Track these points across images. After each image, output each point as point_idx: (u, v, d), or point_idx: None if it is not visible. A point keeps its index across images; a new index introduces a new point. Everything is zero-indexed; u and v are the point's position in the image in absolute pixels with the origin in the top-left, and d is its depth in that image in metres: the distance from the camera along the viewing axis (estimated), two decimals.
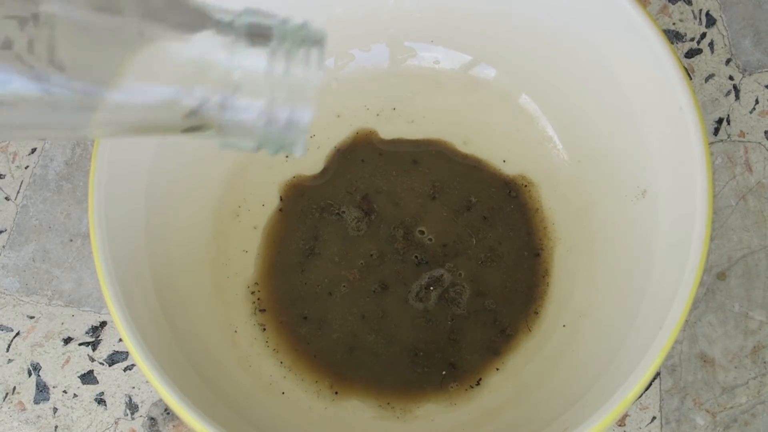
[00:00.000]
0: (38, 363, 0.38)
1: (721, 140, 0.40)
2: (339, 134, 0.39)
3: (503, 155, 0.39)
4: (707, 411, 0.37)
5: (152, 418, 0.37)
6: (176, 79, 0.20)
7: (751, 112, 0.41)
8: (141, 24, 0.20)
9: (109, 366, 0.38)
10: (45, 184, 0.40)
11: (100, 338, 0.38)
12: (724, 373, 0.37)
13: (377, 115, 0.39)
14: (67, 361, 0.38)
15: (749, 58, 0.42)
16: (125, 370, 0.38)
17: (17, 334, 0.38)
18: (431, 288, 0.37)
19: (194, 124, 0.21)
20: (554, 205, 0.38)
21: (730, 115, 0.41)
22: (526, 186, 0.38)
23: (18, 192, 0.40)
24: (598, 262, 0.36)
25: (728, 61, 0.42)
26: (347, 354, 0.36)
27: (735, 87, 0.41)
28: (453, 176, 0.38)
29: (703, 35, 0.42)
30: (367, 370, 0.36)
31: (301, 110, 0.21)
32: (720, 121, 0.41)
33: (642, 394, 0.37)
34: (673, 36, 0.42)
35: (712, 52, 0.42)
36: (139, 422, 0.37)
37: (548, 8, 0.35)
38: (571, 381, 0.33)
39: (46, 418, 0.37)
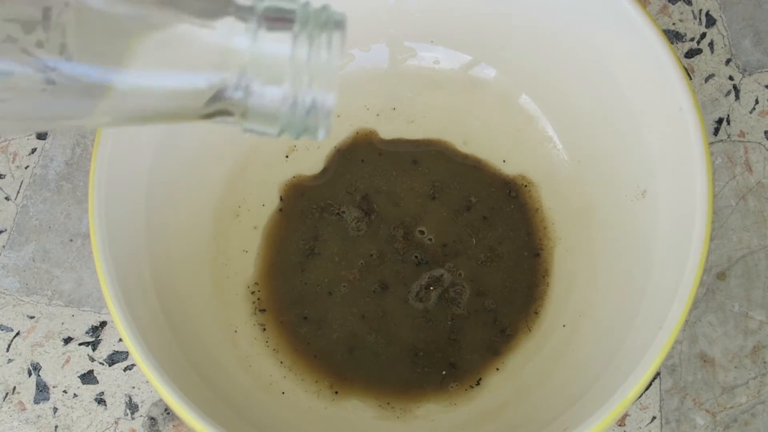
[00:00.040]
0: (38, 363, 0.38)
1: (721, 140, 0.40)
2: (339, 134, 0.39)
3: (503, 155, 0.39)
4: (707, 411, 0.37)
5: (152, 418, 0.37)
6: (199, 65, 0.20)
7: (751, 112, 0.41)
8: (161, 10, 0.20)
9: (109, 366, 0.38)
10: (45, 184, 0.40)
11: (100, 338, 0.38)
12: (724, 373, 0.37)
13: (377, 115, 0.39)
14: (67, 361, 0.38)
15: (749, 58, 0.42)
16: (125, 370, 0.38)
17: (17, 334, 0.38)
18: (431, 288, 0.37)
19: (215, 109, 0.21)
20: (554, 205, 0.38)
21: (730, 115, 0.41)
22: (526, 186, 0.38)
23: (18, 192, 0.40)
24: (598, 262, 0.36)
25: (728, 61, 0.42)
26: (347, 354, 0.36)
27: (735, 87, 0.41)
28: (453, 176, 0.38)
29: (703, 35, 0.42)
30: (367, 370, 0.36)
31: (325, 93, 0.21)
32: (720, 121, 0.41)
33: (642, 394, 0.37)
34: (673, 36, 0.42)
35: (712, 52, 0.42)
36: (139, 422, 0.37)
37: (548, 8, 0.35)
38: (571, 381, 0.33)
39: (46, 418, 0.37)
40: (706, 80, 0.41)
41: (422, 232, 0.37)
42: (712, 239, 0.39)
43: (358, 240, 0.37)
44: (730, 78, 0.41)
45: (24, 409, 0.37)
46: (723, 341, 0.38)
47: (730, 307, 0.38)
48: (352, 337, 0.36)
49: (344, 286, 0.37)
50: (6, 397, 0.37)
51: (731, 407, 0.37)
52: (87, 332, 0.38)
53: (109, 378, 0.37)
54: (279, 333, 0.36)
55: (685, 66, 0.41)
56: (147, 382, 0.37)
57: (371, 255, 0.37)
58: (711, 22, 0.42)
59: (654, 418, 0.37)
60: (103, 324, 0.38)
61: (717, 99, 0.41)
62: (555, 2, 0.35)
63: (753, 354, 0.37)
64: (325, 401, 0.35)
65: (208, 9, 0.21)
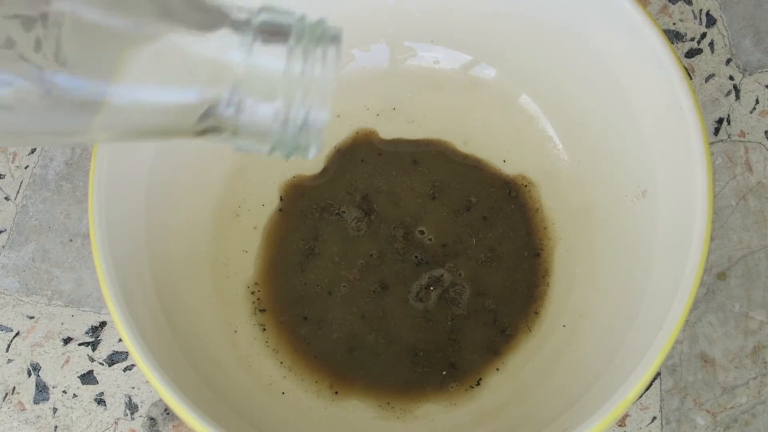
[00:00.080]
0: (38, 363, 0.38)
1: (722, 140, 0.40)
2: (339, 134, 0.39)
3: (503, 155, 0.39)
4: (707, 411, 0.37)
5: (152, 418, 0.37)
6: (192, 79, 0.20)
7: (751, 112, 0.41)
8: (156, 22, 0.20)
9: (109, 366, 0.38)
10: (45, 184, 0.40)
11: (99, 338, 0.38)
12: (724, 373, 0.37)
13: (377, 115, 0.39)
14: (67, 361, 0.38)
15: (749, 58, 0.42)
16: (125, 370, 0.38)
17: (17, 334, 0.38)
18: (431, 288, 0.37)
19: (208, 126, 0.21)
20: (554, 205, 0.38)
21: (731, 115, 0.41)
22: (526, 186, 0.38)
23: (18, 192, 0.40)
24: (598, 262, 0.36)
25: (728, 61, 0.42)
26: (347, 354, 0.36)
27: (735, 87, 0.41)
28: (453, 176, 0.38)
29: (704, 35, 0.42)
30: (367, 370, 0.36)
31: (318, 111, 0.21)
32: (720, 121, 0.41)
33: (642, 395, 0.37)
34: (674, 36, 0.42)
35: (713, 52, 0.42)
36: (138, 422, 0.37)
37: (548, 8, 0.35)
38: (571, 381, 0.33)
39: (46, 419, 0.37)
40: (707, 80, 0.41)
41: (422, 232, 0.37)
42: (712, 239, 0.39)
43: (358, 240, 0.37)
44: (731, 78, 0.41)
45: (24, 410, 0.37)
46: (723, 341, 0.38)
47: (731, 308, 0.38)
48: (352, 337, 0.36)
49: (344, 286, 0.37)
50: (6, 397, 0.37)
51: (731, 407, 0.37)
52: (87, 332, 0.38)
53: (109, 378, 0.37)
54: (279, 333, 0.36)
55: (686, 66, 0.41)
56: (147, 382, 0.37)
57: (371, 255, 0.37)
58: (711, 21, 0.42)
59: (654, 418, 0.37)
60: (103, 324, 0.38)
61: (717, 99, 0.41)
62: (555, 2, 0.35)
63: (753, 354, 0.37)
64: (325, 401, 0.35)
65: (203, 21, 0.20)
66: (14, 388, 0.37)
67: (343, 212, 0.38)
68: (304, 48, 0.21)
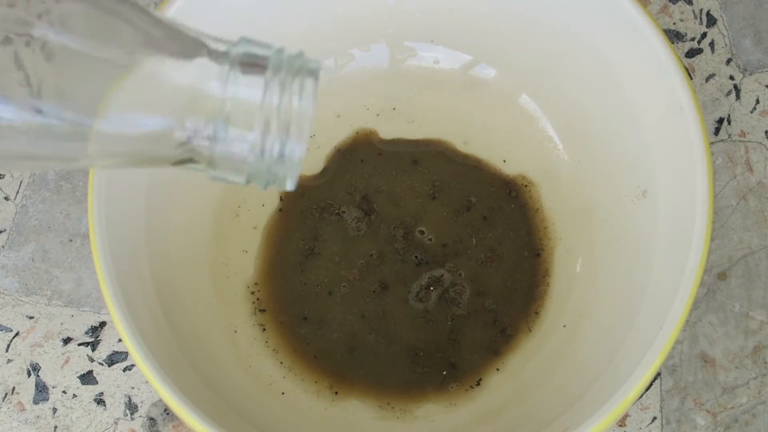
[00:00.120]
0: (38, 363, 0.38)
1: (722, 140, 0.40)
2: (339, 134, 0.39)
3: (503, 155, 0.38)
4: (708, 411, 0.37)
5: (152, 419, 0.37)
6: (169, 110, 0.20)
7: (751, 112, 0.41)
8: (136, 53, 0.20)
9: (109, 366, 0.38)
10: (44, 184, 0.40)
11: (99, 338, 0.38)
12: (724, 373, 0.37)
13: (377, 115, 0.39)
14: (67, 362, 0.38)
15: (750, 58, 0.42)
16: (125, 370, 0.38)
17: (17, 334, 0.38)
18: (431, 288, 0.37)
19: (185, 156, 0.21)
20: (554, 205, 0.38)
21: (731, 115, 0.41)
22: (526, 186, 0.38)
23: (17, 192, 0.40)
24: (598, 262, 0.36)
25: (729, 61, 0.42)
26: (347, 354, 0.36)
27: (735, 87, 0.41)
28: (453, 176, 0.38)
29: (704, 35, 0.42)
30: (367, 370, 0.36)
31: (294, 143, 0.21)
32: (720, 120, 0.41)
33: (642, 395, 0.37)
34: (674, 36, 0.42)
35: (713, 51, 0.42)
36: (138, 422, 0.37)
37: (548, 8, 0.35)
38: (571, 381, 0.33)
39: (46, 419, 0.37)
40: (707, 80, 0.41)
41: (422, 232, 0.37)
42: (712, 239, 0.39)
43: (358, 240, 0.37)
44: (731, 78, 0.41)
45: (23, 410, 0.37)
46: (724, 341, 0.38)
47: (731, 308, 0.38)
48: (352, 337, 0.36)
49: (344, 286, 0.37)
50: (5, 397, 0.37)
51: (732, 407, 0.37)
52: (86, 332, 0.38)
53: (109, 378, 0.37)
54: (279, 333, 0.36)
55: (686, 66, 0.41)
56: (146, 382, 0.37)
57: (371, 255, 0.37)
58: (712, 21, 0.42)
59: (655, 418, 0.37)
60: (103, 324, 0.38)
61: (717, 99, 0.41)
62: (555, 2, 0.35)
63: (754, 354, 0.37)
64: (325, 401, 0.35)
65: (182, 52, 0.20)
66: (14, 389, 0.37)
67: (343, 212, 0.38)
68: (282, 80, 0.21)
